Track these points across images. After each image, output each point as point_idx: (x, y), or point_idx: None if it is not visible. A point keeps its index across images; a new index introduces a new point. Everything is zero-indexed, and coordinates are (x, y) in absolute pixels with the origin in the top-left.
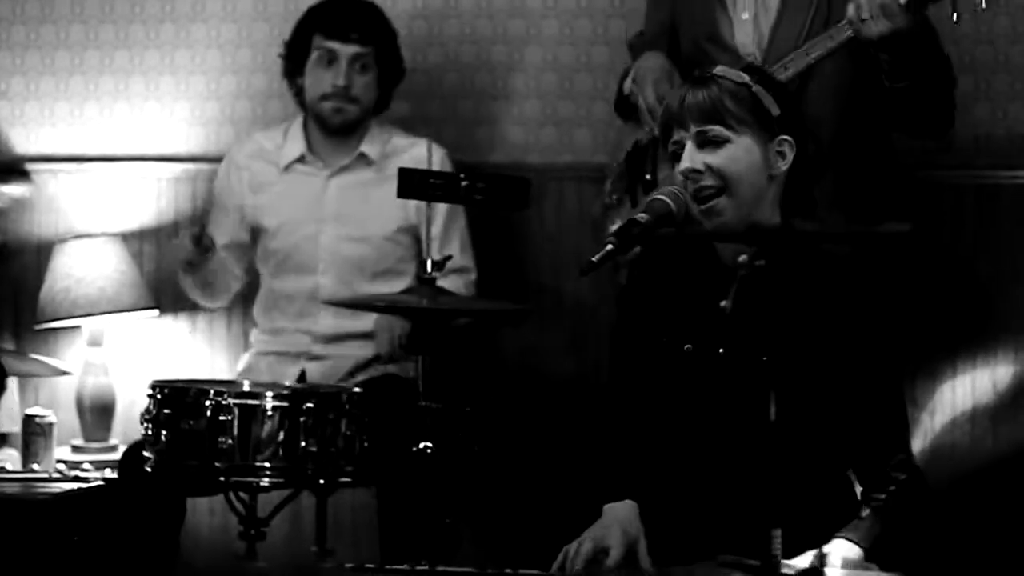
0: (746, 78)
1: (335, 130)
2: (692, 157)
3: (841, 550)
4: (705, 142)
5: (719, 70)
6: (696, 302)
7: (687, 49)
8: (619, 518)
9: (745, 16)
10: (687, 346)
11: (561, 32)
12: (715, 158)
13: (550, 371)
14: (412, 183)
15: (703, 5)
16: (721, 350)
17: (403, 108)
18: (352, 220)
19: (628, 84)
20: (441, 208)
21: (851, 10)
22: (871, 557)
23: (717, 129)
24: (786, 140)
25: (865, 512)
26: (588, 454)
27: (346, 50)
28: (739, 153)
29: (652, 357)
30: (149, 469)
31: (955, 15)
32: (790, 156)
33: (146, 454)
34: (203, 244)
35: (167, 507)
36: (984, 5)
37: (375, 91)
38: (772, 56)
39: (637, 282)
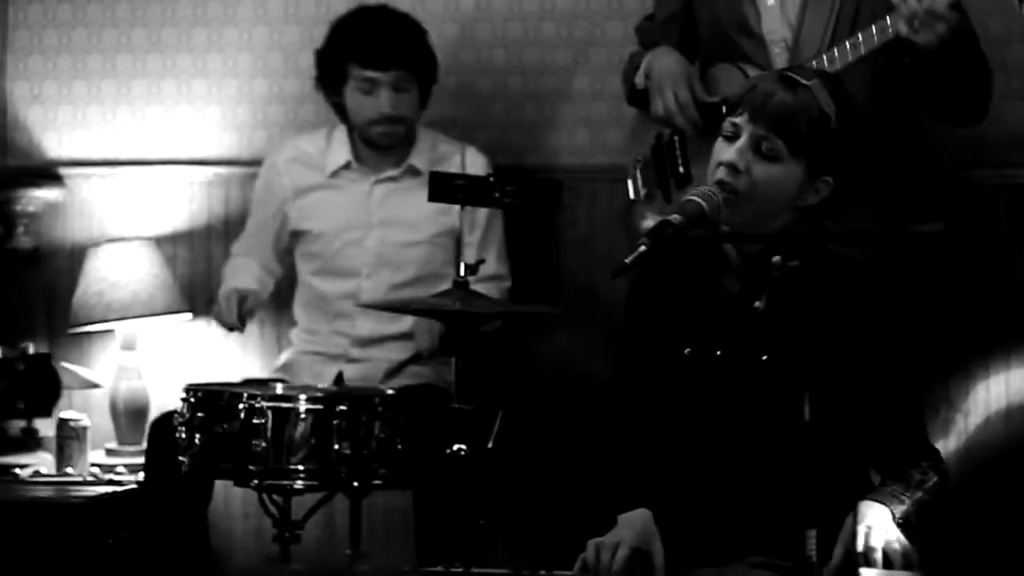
0: (833, 111)
1: (388, 149)
2: (742, 155)
3: (872, 518)
4: (759, 149)
5: (814, 86)
6: (711, 303)
7: (709, 37)
8: (633, 524)
9: (771, 2)
10: (718, 351)
11: (592, 34)
12: (760, 169)
13: (584, 373)
14: (442, 187)
15: None
16: (721, 351)
17: (435, 110)
18: (398, 225)
19: (641, 79)
20: (481, 214)
21: (901, 24)
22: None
23: (778, 145)
24: (827, 181)
25: (891, 484)
26: (602, 463)
27: (386, 77)
28: (782, 176)
29: (672, 361)
30: (183, 471)
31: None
32: (823, 194)
33: (180, 457)
34: (245, 320)
35: (196, 496)
36: None
37: (418, 105)
38: (803, 41)
39: (645, 285)
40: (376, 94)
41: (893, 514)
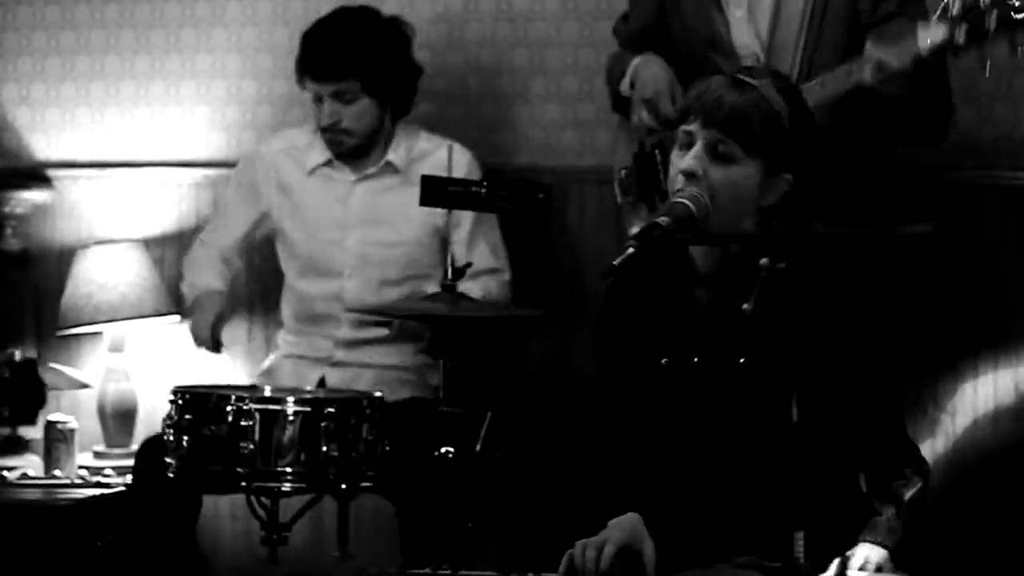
0: (784, 109)
1: (344, 157)
2: (700, 160)
3: (866, 555)
4: (715, 153)
5: (763, 86)
6: (683, 314)
7: (683, 53)
8: (623, 527)
9: (739, 14)
10: (695, 358)
11: (581, 35)
12: (717, 173)
13: (573, 374)
14: (434, 191)
15: (696, 7)
16: (698, 358)
17: (424, 110)
18: (378, 225)
19: (626, 87)
20: (467, 214)
21: (867, 72)
22: (895, 559)
23: (733, 147)
24: (787, 179)
25: (885, 511)
26: (589, 470)
27: (325, 89)
28: (740, 178)
29: (649, 371)
30: (171, 475)
31: (987, 71)
32: (783, 191)
33: (168, 459)
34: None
35: (185, 505)
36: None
37: (373, 116)
38: (775, 53)
39: (619, 293)
40: (321, 104)
41: (890, 551)
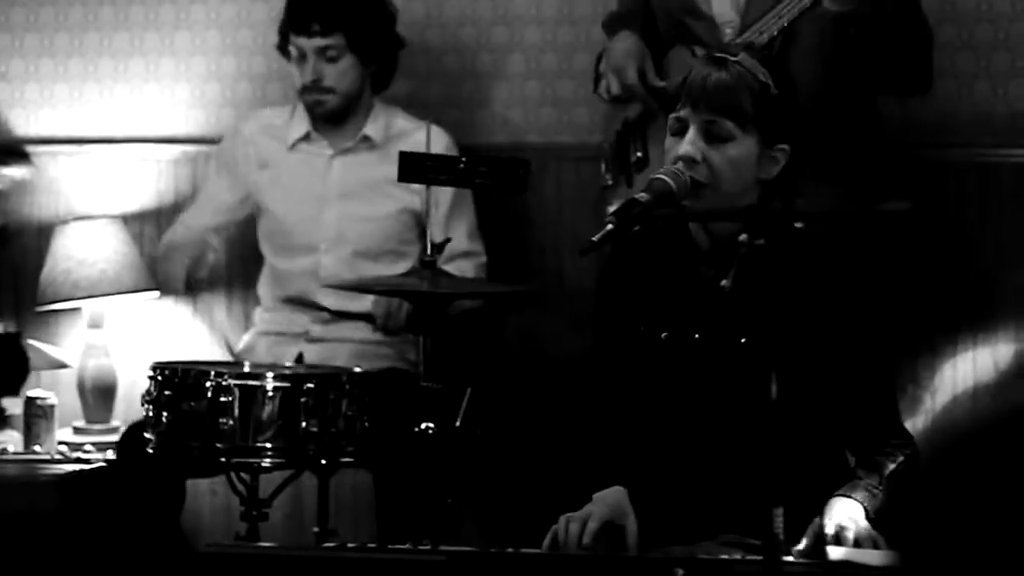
0: (768, 79)
1: (322, 119)
2: (695, 145)
3: (843, 510)
4: (711, 135)
5: (743, 59)
6: (687, 289)
7: (664, 26)
8: (607, 501)
9: None
10: (695, 335)
11: (560, 12)
12: (716, 154)
13: (551, 351)
14: (412, 166)
15: None
16: (699, 334)
17: (403, 89)
18: (355, 200)
19: (603, 67)
20: (446, 192)
21: None
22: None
23: (727, 126)
24: (783, 149)
25: (866, 479)
26: (576, 443)
27: (310, 44)
28: (738, 154)
29: (641, 342)
30: (151, 450)
31: None
32: (782, 163)
33: (147, 435)
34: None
35: (167, 489)
36: None
37: (355, 76)
38: (750, 23)
39: (618, 266)
40: (305, 62)
41: (866, 510)
